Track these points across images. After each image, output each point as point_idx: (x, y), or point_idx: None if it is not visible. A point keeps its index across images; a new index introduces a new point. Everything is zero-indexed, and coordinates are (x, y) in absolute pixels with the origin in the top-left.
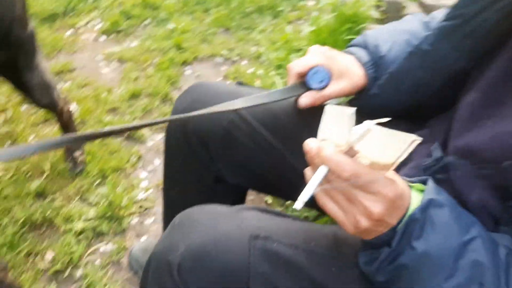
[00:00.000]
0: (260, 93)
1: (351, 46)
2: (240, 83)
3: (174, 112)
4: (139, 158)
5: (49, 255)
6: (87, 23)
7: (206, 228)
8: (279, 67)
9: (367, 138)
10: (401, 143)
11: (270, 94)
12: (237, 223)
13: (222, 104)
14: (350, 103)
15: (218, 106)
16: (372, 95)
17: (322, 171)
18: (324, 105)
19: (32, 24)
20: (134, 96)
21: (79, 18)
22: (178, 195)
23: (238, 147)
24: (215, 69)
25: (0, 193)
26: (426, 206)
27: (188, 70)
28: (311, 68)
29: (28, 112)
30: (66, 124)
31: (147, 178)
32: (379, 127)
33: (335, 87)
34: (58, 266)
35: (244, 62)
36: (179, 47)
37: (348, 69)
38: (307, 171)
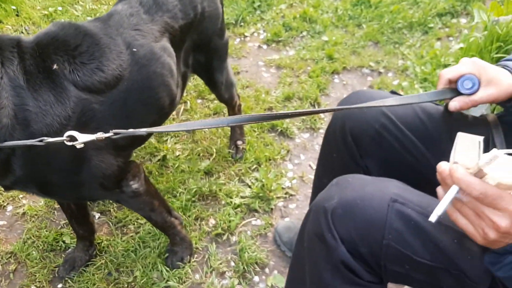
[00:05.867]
0: (411, 95)
1: (505, 60)
2: (394, 92)
3: (336, 112)
4: (288, 152)
5: (212, 221)
6: (253, 33)
7: (356, 187)
8: (424, 80)
9: (494, 163)
10: None
11: (420, 95)
12: (381, 187)
13: (376, 101)
14: (499, 118)
15: (373, 102)
16: None
17: (453, 190)
18: (457, 131)
19: (227, 34)
20: (288, 98)
21: (247, 28)
22: (328, 182)
23: (386, 146)
24: (361, 79)
25: (178, 168)
26: None
27: (336, 79)
28: (461, 76)
29: (203, 105)
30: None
31: (293, 170)
32: (506, 155)
33: (483, 93)
34: (218, 231)
35: (390, 74)
36: (330, 57)
37: (497, 77)
38: (439, 189)
